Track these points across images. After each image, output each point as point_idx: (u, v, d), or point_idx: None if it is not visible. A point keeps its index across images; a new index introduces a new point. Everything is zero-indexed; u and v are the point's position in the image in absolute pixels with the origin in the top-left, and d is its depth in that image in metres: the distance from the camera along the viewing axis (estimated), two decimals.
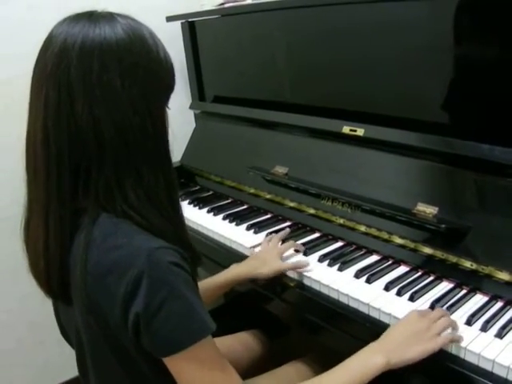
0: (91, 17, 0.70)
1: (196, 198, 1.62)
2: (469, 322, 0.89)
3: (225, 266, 1.22)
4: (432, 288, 1.01)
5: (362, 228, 1.20)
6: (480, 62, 1.05)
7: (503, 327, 0.86)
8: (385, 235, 1.16)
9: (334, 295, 1.04)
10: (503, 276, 0.95)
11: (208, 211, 1.51)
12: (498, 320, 0.89)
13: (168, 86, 0.76)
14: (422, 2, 1.14)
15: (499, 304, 0.94)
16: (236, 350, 1.22)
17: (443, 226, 1.03)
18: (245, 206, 1.53)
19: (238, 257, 1.26)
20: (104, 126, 0.68)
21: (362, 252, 1.17)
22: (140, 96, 0.70)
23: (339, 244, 1.23)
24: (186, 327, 0.67)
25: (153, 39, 0.73)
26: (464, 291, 0.99)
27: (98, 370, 0.78)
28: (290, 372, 1.11)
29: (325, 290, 1.06)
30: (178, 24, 1.80)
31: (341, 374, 0.80)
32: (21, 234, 0.78)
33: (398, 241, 1.13)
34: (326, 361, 1.08)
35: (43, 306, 0.95)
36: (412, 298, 0.97)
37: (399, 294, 0.99)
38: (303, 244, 1.22)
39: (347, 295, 1.01)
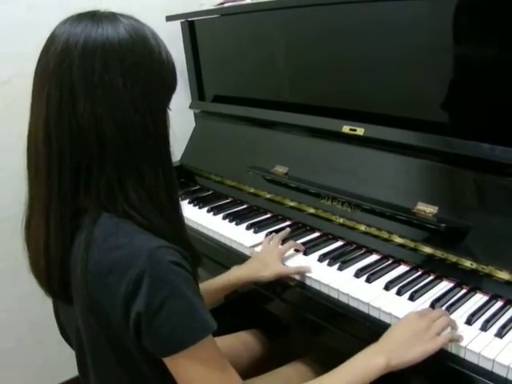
0: (94, 17, 0.71)
1: (196, 198, 1.62)
2: (469, 322, 0.89)
3: (225, 266, 1.22)
4: (432, 287, 1.01)
5: (362, 227, 1.21)
6: (480, 61, 1.05)
7: (503, 326, 0.86)
8: (385, 234, 1.16)
9: (334, 295, 1.04)
10: (503, 275, 0.95)
11: (208, 211, 1.51)
12: (498, 319, 0.89)
13: (170, 87, 0.76)
14: (421, 1, 1.14)
15: (499, 303, 0.94)
16: (236, 349, 1.22)
17: (443, 225, 1.03)
18: (245, 206, 1.53)
19: (238, 256, 1.26)
20: (106, 125, 0.68)
21: (361, 251, 1.17)
22: (141, 96, 0.70)
23: (339, 243, 1.23)
24: (187, 326, 0.67)
25: (155, 39, 0.73)
26: (464, 291, 0.99)
27: (97, 370, 0.78)
28: (290, 372, 1.11)
29: (325, 290, 1.06)
30: (177, 24, 1.80)
31: (341, 375, 0.80)
32: (22, 233, 0.78)
33: (398, 240, 1.13)
34: (326, 361, 1.08)
35: (43, 306, 0.95)
36: (412, 298, 0.97)
37: (399, 293, 0.99)
38: (303, 243, 1.22)
39: (347, 295, 1.01)
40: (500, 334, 0.85)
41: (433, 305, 0.94)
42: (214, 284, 1.10)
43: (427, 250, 1.08)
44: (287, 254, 1.17)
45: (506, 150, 0.98)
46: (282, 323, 1.33)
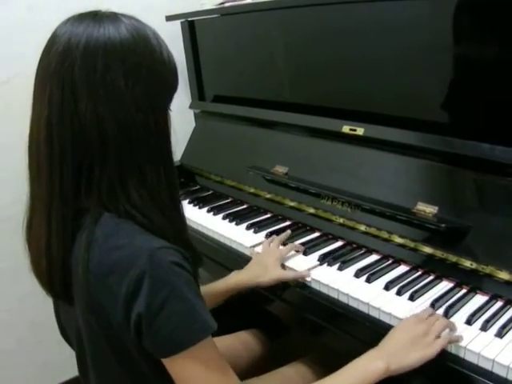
0: (95, 17, 0.71)
1: (196, 198, 1.62)
2: (469, 322, 0.89)
3: (225, 266, 1.22)
4: (432, 287, 1.01)
5: (362, 227, 1.21)
6: (480, 61, 1.05)
7: (503, 327, 0.86)
8: (385, 234, 1.16)
9: (333, 295, 1.04)
10: (503, 275, 0.95)
11: (208, 211, 1.51)
12: (497, 319, 0.89)
13: (171, 86, 0.76)
14: (421, 1, 1.14)
15: (499, 303, 0.94)
16: (236, 349, 1.22)
17: (443, 225, 1.03)
18: (245, 206, 1.53)
19: (238, 256, 1.26)
20: (107, 124, 0.69)
21: (361, 251, 1.17)
22: (143, 94, 0.70)
23: (339, 243, 1.23)
24: (187, 327, 0.67)
25: (156, 40, 0.74)
26: (464, 291, 0.99)
27: (98, 370, 0.78)
28: (290, 372, 1.11)
29: (324, 290, 1.06)
30: (177, 23, 1.80)
31: (342, 378, 0.80)
32: (23, 233, 0.78)
33: (398, 240, 1.13)
34: (325, 361, 1.08)
35: (43, 306, 0.95)
36: (412, 298, 0.97)
37: (399, 293, 0.99)
38: (303, 243, 1.22)
39: (347, 295, 1.01)
40: (500, 334, 0.85)
41: (433, 305, 0.94)
42: (213, 289, 1.10)
43: (427, 250, 1.08)
44: (288, 254, 1.17)
45: (506, 150, 0.98)
46: (282, 323, 1.33)
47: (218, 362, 0.73)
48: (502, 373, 0.79)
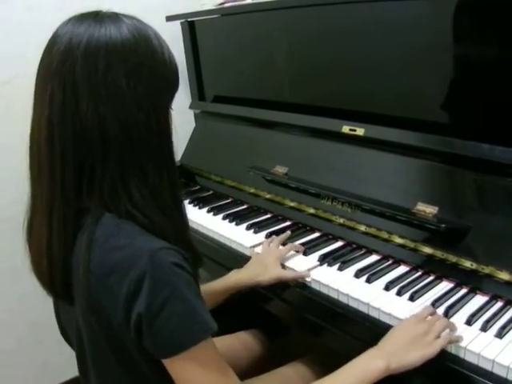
0: (96, 17, 0.71)
1: (196, 198, 1.62)
2: (469, 322, 0.89)
3: (224, 266, 1.22)
4: (432, 288, 1.01)
5: (362, 228, 1.21)
6: (480, 61, 1.05)
7: (503, 327, 0.86)
8: (385, 235, 1.16)
9: (333, 295, 1.04)
10: (503, 276, 0.95)
11: (208, 211, 1.51)
12: (497, 320, 0.89)
13: (172, 86, 0.76)
14: (421, 1, 1.14)
15: (499, 304, 0.94)
16: (236, 349, 1.22)
17: (443, 225, 1.03)
18: (245, 206, 1.53)
19: (238, 256, 1.26)
20: (109, 123, 0.69)
21: (361, 252, 1.17)
22: (145, 94, 0.70)
23: (339, 244, 1.23)
24: (187, 328, 0.67)
25: (158, 40, 0.74)
26: (464, 291, 0.99)
27: (98, 370, 0.78)
28: (290, 372, 1.11)
29: (324, 290, 1.06)
30: (178, 24, 1.80)
31: (342, 377, 0.80)
32: (23, 233, 0.78)
33: (398, 240, 1.13)
34: (325, 361, 1.08)
35: (44, 306, 0.95)
36: (412, 298, 0.97)
37: (399, 293, 0.99)
38: (303, 244, 1.22)
39: (347, 295, 1.01)
40: (500, 334, 0.85)
41: (433, 305, 0.94)
42: (213, 287, 1.10)
43: (427, 250, 1.08)
44: (288, 254, 1.17)
45: (506, 151, 0.98)
46: (282, 323, 1.33)
47: (218, 363, 0.73)
48: (501, 373, 0.79)
